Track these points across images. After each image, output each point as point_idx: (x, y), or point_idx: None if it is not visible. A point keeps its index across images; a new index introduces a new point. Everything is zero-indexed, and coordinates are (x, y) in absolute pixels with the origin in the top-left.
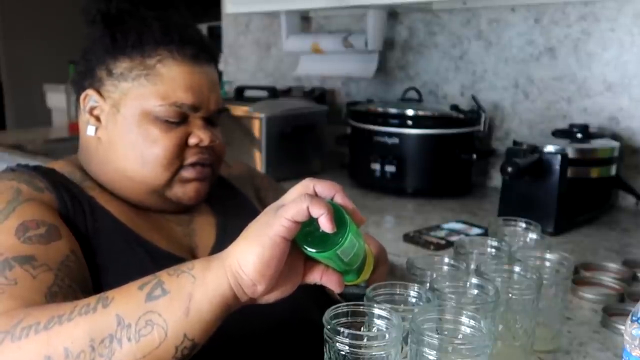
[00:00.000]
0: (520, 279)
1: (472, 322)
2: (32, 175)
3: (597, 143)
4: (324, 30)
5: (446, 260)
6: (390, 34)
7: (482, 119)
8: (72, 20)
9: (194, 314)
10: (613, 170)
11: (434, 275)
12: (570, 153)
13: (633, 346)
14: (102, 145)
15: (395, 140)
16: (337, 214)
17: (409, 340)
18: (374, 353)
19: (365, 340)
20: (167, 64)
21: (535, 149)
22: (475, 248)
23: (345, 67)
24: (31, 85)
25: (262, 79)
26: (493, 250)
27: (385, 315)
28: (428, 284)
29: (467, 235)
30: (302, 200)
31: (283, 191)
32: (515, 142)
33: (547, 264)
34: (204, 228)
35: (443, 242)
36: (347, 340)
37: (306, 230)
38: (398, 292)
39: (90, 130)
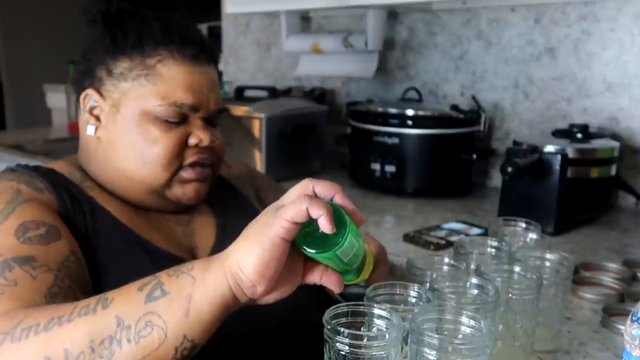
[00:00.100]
0: (520, 279)
1: (472, 322)
2: (31, 176)
3: (597, 143)
4: (324, 30)
5: (446, 260)
6: (390, 34)
7: (482, 119)
8: (72, 20)
9: (193, 315)
10: (613, 170)
11: (434, 275)
12: (570, 153)
13: (633, 346)
14: (101, 145)
15: (395, 140)
16: (336, 215)
17: (409, 340)
18: (374, 353)
19: (365, 340)
20: (167, 64)
21: (535, 149)
22: (475, 248)
23: (345, 67)
24: (31, 85)
25: (262, 79)
26: (493, 250)
27: (385, 315)
28: (428, 284)
29: (467, 235)
30: (302, 201)
31: (283, 191)
32: (515, 142)
33: (547, 264)
34: (204, 228)
35: (443, 242)
36: (347, 340)
37: (306, 230)
38: (398, 292)
39: (90, 130)
